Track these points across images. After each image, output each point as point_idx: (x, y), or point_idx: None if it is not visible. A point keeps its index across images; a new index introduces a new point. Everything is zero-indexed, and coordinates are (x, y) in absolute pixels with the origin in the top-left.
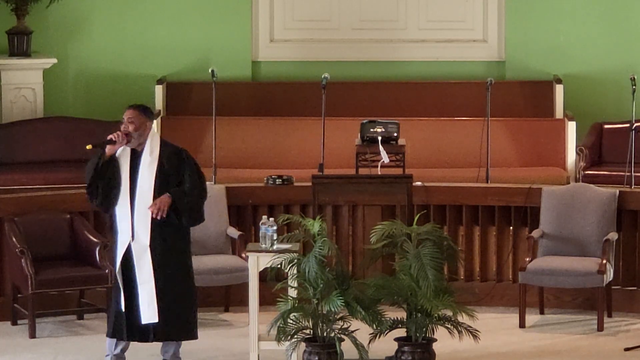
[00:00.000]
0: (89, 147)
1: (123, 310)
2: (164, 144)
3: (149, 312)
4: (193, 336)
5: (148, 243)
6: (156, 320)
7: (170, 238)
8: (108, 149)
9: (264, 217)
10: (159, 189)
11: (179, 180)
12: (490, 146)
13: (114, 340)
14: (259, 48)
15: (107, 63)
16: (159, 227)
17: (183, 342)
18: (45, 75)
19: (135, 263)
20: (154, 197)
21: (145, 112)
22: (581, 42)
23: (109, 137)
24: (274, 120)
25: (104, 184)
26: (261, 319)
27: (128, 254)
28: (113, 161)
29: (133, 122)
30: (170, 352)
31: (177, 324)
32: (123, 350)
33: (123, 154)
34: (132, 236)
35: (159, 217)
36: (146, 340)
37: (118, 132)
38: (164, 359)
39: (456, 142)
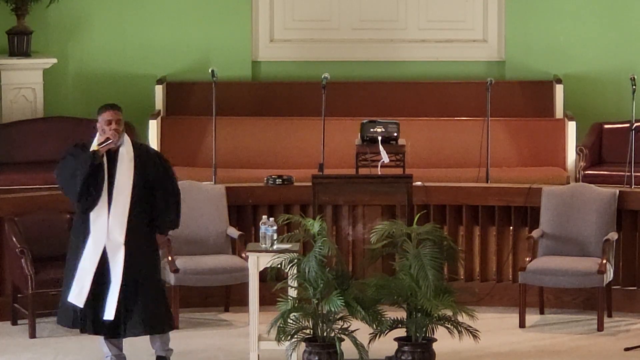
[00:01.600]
0: (97, 148)
1: (82, 306)
2: (135, 143)
3: (110, 310)
4: (166, 329)
5: (123, 241)
6: (112, 318)
7: (144, 237)
8: (105, 148)
9: (264, 217)
10: (138, 188)
11: (155, 180)
12: (490, 146)
13: (105, 339)
14: (259, 48)
15: (107, 63)
16: (135, 226)
17: (181, 341)
18: (45, 75)
19: (110, 261)
20: (133, 196)
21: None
22: (581, 42)
23: (107, 138)
24: (274, 120)
25: (95, 184)
26: (261, 319)
27: (102, 252)
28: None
29: (119, 122)
30: (158, 344)
31: (147, 319)
32: (120, 349)
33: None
34: (107, 234)
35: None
36: (116, 335)
37: (113, 132)
38: (156, 354)
39: (456, 142)
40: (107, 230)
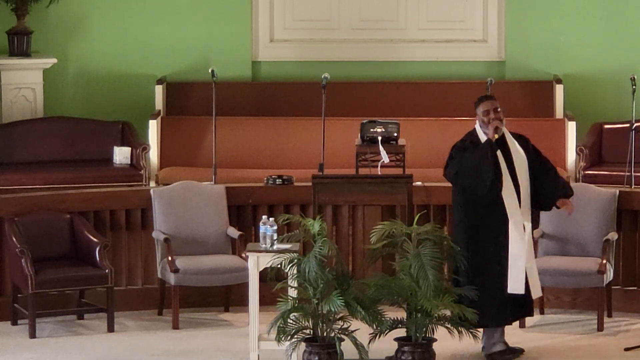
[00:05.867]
0: (492, 137)
1: (523, 292)
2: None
3: (516, 285)
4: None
5: (530, 219)
6: (522, 292)
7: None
8: (496, 136)
9: (264, 217)
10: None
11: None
12: None
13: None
14: (259, 48)
15: (107, 63)
16: (529, 204)
17: (181, 341)
18: (45, 75)
19: (511, 239)
20: (530, 177)
21: None
22: (581, 42)
23: (496, 126)
24: (274, 120)
25: (498, 170)
26: (261, 319)
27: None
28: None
29: (497, 109)
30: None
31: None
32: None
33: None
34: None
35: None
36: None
37: (497, 120)
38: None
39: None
40: (519, 211)
